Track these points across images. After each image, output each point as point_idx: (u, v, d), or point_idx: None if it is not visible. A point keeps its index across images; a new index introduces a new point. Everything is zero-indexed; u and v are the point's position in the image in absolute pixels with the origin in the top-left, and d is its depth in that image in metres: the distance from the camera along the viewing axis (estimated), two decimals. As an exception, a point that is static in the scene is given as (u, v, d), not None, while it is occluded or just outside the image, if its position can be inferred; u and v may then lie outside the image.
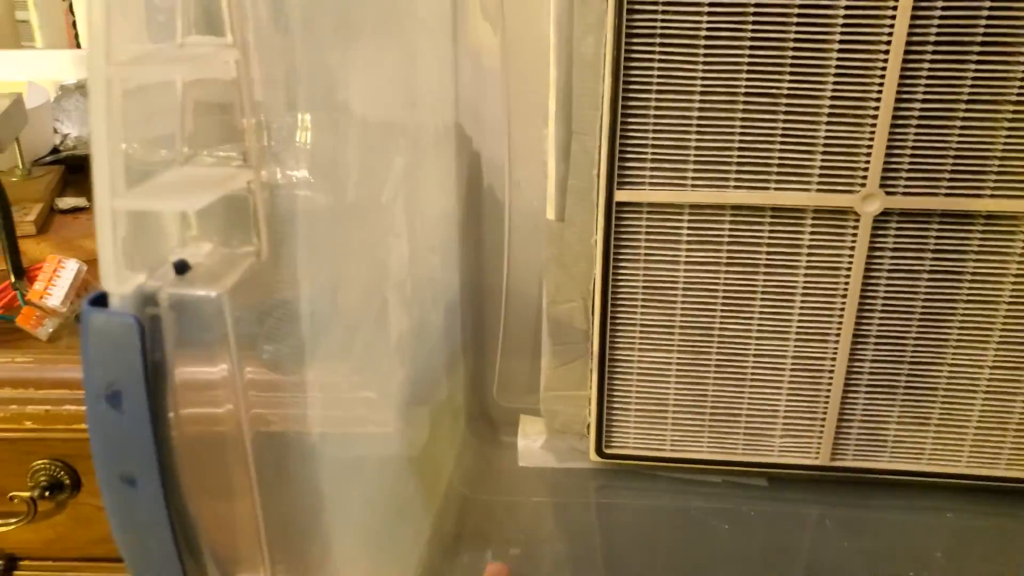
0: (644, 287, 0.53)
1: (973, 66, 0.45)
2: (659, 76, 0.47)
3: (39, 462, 0.53)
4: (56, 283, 0.53)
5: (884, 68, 0.45)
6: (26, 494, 0.53)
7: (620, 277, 0.53)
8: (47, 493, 0.53)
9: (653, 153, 0.49)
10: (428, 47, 0.53)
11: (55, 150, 0.80)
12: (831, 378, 0.53)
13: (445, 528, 0.50)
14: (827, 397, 0.54)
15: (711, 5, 0.45)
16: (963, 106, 0.46)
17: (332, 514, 0.42)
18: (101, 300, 0.25)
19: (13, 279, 0.54)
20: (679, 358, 0.55)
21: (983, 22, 0.44)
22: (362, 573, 0.41)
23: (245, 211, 0.29)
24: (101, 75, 0.24)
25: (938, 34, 0.44)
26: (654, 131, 0.49)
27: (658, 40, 0.47)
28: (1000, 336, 0.51)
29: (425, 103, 0.53)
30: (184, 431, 0.26)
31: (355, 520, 0.40)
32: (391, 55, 0.53)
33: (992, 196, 0.48)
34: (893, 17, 0.44)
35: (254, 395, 0.42)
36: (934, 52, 0.45)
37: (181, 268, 0.27)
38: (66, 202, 0.71)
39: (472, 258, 0.58)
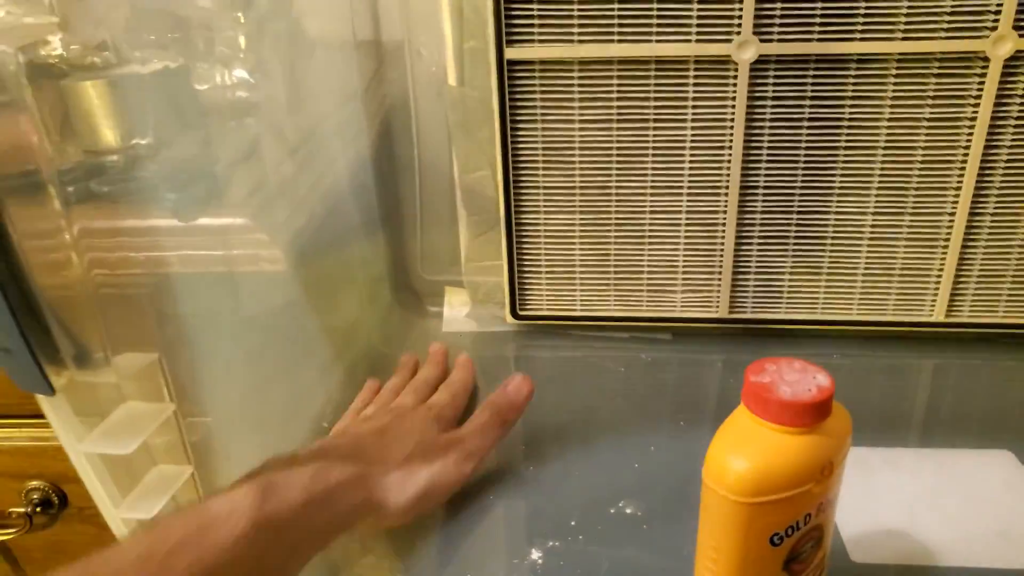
0: (544, 149, 0.56)
1: (834, -94, 0.47)
2: (538, -69, 0.49)
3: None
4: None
5: (750, -88, 0.47)
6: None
7: (519, 140, 0.55)
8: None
9: (539, 8, 0.51)
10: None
11: None
12: (724, 231, 0.56)
13: (358, 374, 0.54)
14: (722, 251, 0.57)
15: None
16: (828, -53, 0.48)
17: (226, 340, 0.45)
18: None
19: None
20: (581, 219, 0.57)
21: None
22: (249, 387, 0.45)
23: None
24: None
25: None
26: (539, -12, 0.51)
27: None
28: (879, 182, 0.54)
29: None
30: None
31: (237, 338, 0.43)
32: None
33: (862, 39, 0.50)
34: None
35: (148, 240, 0.46)
36: None
37: None
38: None
39: (381, 132, 0.60)
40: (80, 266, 0.46)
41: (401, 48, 0.58)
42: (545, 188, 0.57)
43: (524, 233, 0.58)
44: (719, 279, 0.58)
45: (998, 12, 0.48)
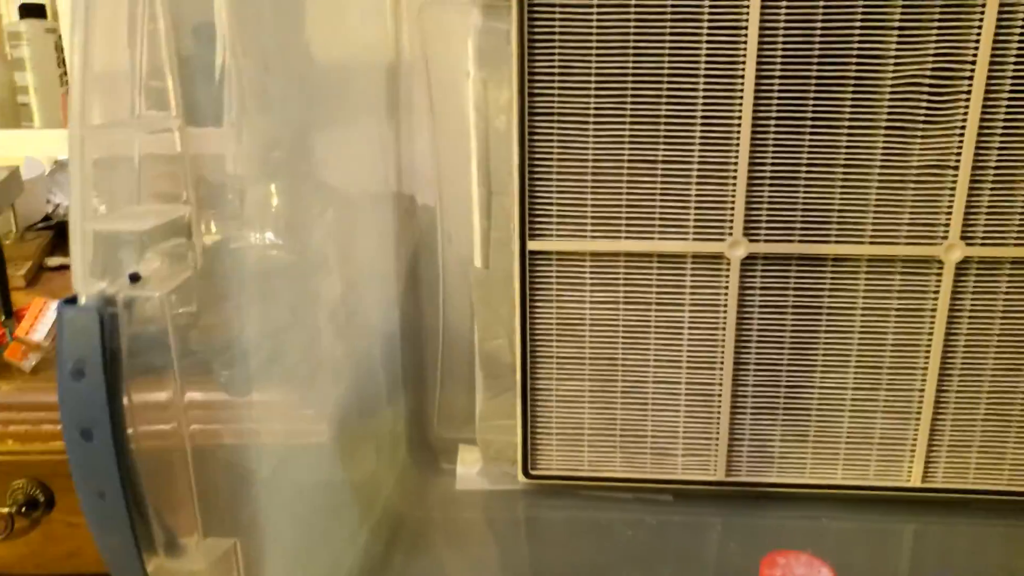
0: (558, 324, 0.62)
1: (808, 136, 0.56)
2: (558, 147, 0.58)
3: (17, 482, 0.60)
4: (41, 322, 0.61)
5: (738, 138, 0.56)
6: (4, 510, 0.59)
7: (537, 316, 0.62)
8: (23, 510, 0.59)
9: (558, 210, 0.59)
10: (370, 132, 0.64)
11: (47, 218, 0.89)
12: (720, 402, 0.62)
13: (380, 536, 0.57)
14: (718, 419, 0.62)
15: (597, 89, 0.56)
16: (804, 168, 0.56)
17: (271, 506, 0.49)
18: (72, 300, 0.34)
19: (3, 318, 0.62)
20: (590, 386, 0.63)
21: (811, 102, 0.55)
22: (296, 564, 0.48)
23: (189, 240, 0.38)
24: (76, 135, 0.34)
25: (778, 111, 0.55)
26: (557, 192, 0.59)
27: (556, 118, 0.57)
28: (856, 361, 0.60)
29: (363, 177, 0.63)
30: (135, 407, 0.35)
31: (293, 515, 0.47)
32: (337, 133, 0.63)
33: (837, 242, 0.58)
34: (741, 98, 0.55)
35: (208, 412, 0.50)
36: (776, 125, 0.56)
37: (135, 278, 0.36)
38: (54, 260, 0.80)
39: (411, 302, 0.67)
40: (183, 438, 0.49)
41: (433, 233, 0.66)
42: (558, 357, 0.63)
43: (537, 397, 0.64)
44: (716, 445, 0.63)
45: (948, 224, 0.57)
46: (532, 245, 0.60)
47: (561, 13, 0.55)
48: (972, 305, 0.59)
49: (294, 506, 0.48)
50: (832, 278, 0.59)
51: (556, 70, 0.56)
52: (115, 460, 0.35)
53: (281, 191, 0.70)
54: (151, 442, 0.43)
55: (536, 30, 0.55)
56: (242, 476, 0.46)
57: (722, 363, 0.61)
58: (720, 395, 0.62)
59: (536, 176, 0.58)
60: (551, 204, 0.59)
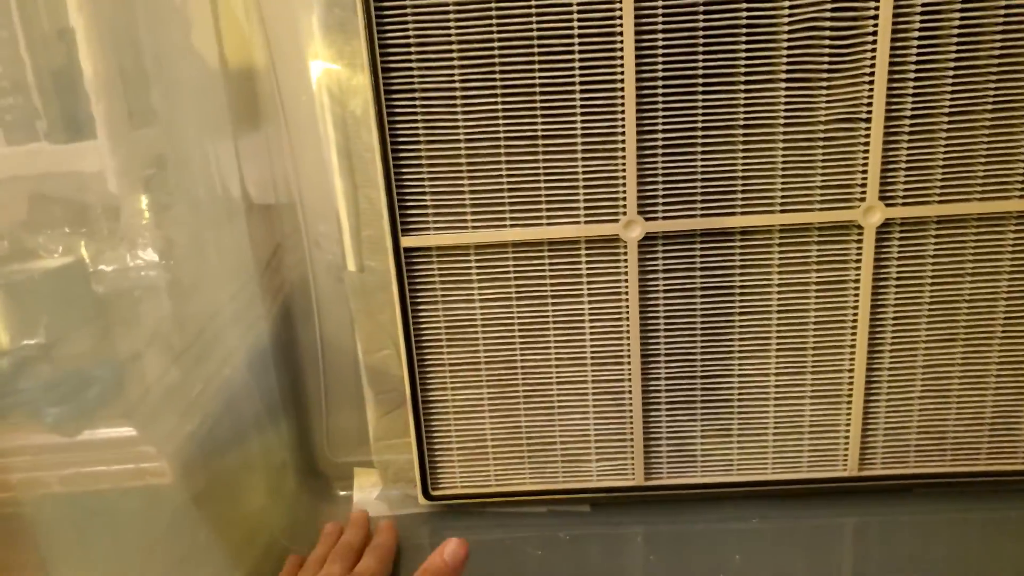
0: (446, 327, 0.55)
1: (700, 96, 0.49)
2: (424, 128, 0.51)
3: None
4: None
5: (623, 105, 0.49)
6: None
7: (421, 320, 0.55)
8: None
9: (432, 199, 0.52)
10: (218, 137, 0.56)
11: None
12: (631, 399, 0.56)
13: (261, 578, 0.50)
14: (631, 418, 0.56)
15: (461, 59, 0.49)
16: (699, 134, 0.50)
17: (101, 560, 0.42)
18: None
19: None
20: (489, 392, 0.56)
21: (700, 57, 0.48)
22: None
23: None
24: None
25: (664, 71, 0.49)
26: (429, 179, 0.52)
27: (418, 95, 0.50)
28: (777, 343, 0.54)
29: (214, 183, 0.56)
30: None
31: (128, 566, 0.40)
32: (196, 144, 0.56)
33: (743, 213, 0.52)
34: (622, 55, 0.49)
35: (28, 459, 0.43)
36: (664, 87, 0.49)
37: None
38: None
39: (281, 317, 0.60)
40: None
41: (298, 236, 0.58)
42: (451, 364, 0.56)
43: (432, 409, 0.57)
44: (631, 447, 0.57)
45: (864, 185, 0.51)
46: (407, 241, 0.53)
47: (409, -27, 0.48)
48: (898, 272, 0.53)
49: (132, 557, 0.41)
50: (742, 253, 0.53)
51: (412, 40, 0.49)
52: None
53: (146, 208, 0.62)
54: None
55: (385, -5, 0.48)
56: (62, 527, 0.39)
57: (629, 356, 0.55)
58: (630, 391, 0.55)
59: (402, 163, 0.51)
60: (423, 194, 0.52)
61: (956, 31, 0.48)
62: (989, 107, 0.49)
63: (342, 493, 0.62)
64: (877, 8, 0.47)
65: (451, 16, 0.49)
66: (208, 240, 0.59)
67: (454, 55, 0.49)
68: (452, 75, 0.50)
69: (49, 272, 0.60)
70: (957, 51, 0.48)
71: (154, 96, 0.59)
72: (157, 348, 0.54)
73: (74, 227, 0.62)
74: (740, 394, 0.56)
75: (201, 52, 0.55)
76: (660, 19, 0.48)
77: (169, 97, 0.60)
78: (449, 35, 0.49)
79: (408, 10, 0.48)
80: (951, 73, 0.48)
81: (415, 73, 0.50)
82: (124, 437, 0.46)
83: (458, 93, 0.50)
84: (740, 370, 0.55)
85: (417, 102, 0.50)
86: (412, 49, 0.49)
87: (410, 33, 0.49)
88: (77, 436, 0.48)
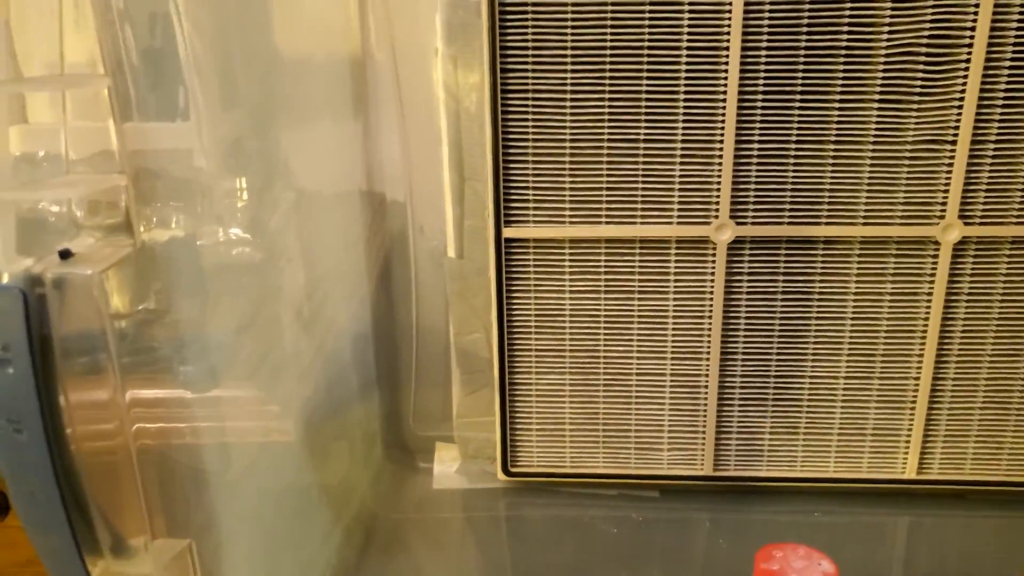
0: (536, 315, 0.59)
1: (797, 111, 0.52)
2: (533, 127, 0.54)
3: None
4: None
5: (723, 115, 0.53)
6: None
7: (514, 307, 0.58)
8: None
9: (534, 194, 0.56)
10: (336, 121, 0.60)
11: None
12: (707, 394, 0.59)
13: (354, 538, 0.54)
14: (705, 412, 0.59)
15: (574, 65, 0.53)
16: (793, 146, 0.53)
17: (234, 507, 0.46)
18: (-8, 280, 0.31)
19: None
20: (571, 379, 0.60)
21: (800, 75, 0.52)
22: (262, 566, 0.45)
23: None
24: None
25: (765, 86, 0.52)
26: (533, 175, 0.55)
27: (531, 96, 0.54)
28: (849, 349, 0.58)
29: (331, 166, 0.60)
30: (73, 404, 0.31)
31: (256, 515, 0.44)
32: (302, 128, 0.60)
33: (828, 223, 0.55)
34: (726, 71, 0.52)
35: (164, 411, 0.47)
36: (764, 101, 0.52)
37: (65, 255, 0.32)
38: None
39: (383, 299, 0.63)
40: (126, 437, 0.46)
41: (403, 219, 0.62)
42: (537, 351, 0.60)
43: (516, 392, 0.61)
44: (703, 438, 0.60)
45: (944, 203, 0.54)
46: (508, 232, 0.56)
47: (533, -17, 0.51)
48: (970, 288, 0.56)
49: (259, 507, 0.45)
50: (823, 261, 0.56)
51: (530, 44, 0.53)
52: (48, 458, 0.31)
53: (247, 187, 0.66)
54: (93, 442, 0.40)
55: (508, 1, 0.52)
56: (201, 476, 0.43)
57: (708, 353, 0.58)
58: (707, 386, 0.59)
59: (511, 159, 0.55)
60: (527, 189, 0.56)
61: (1045, 64, 0.50)
62: (1071, 137, 0.52)
63: (423, 465, 0.66)
64: (972, 37, 0.50)
65: (568, 23, 0.52)
66: (313, 220, 0.62)
67: (568, 60, 0.53)
68: (564, 79, 0.53)
69: (157, 244, 0.64)
70: (1045, 83, 0.51)
71: (263, 81, 0.63)
72: (270, 317, 0.58)
73: (176, 202, 0.66)
74: (810, 395, 0.59)
75: (330, 44, 0.58)
76: (765, 37, 0.51)
77: (285, 82, 0.63)
78: (565, 41, 0.52)
79: (529, 15, 0.52)
80: (1037, 103, 0.51)
81: (530, 75, 0.53)
82: (251, 396, 0.50)
83: (568, 96, 0.53)
84: (812, 372, 0.58)
85: (529, 103, 0.54)
86: (529, 52, 0.53)
87: (528, 37, 0.52)
88: (208, 392, 0.52)
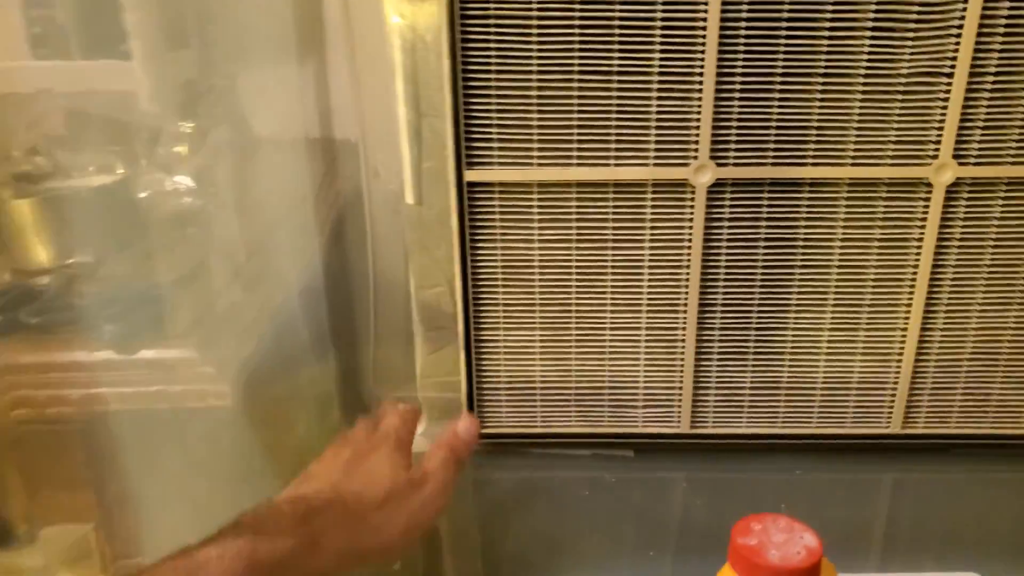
0: (503, 266, 0.55)
1: (784, 41, 0.48)
2: (496, 57, 0.49)
3: None
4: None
5: (703, 45, 0.48)
6: None
7: (479, 258, 0.54)
8: None
9: (499, 133, 0.51)
10: (284, 61, 0.55)
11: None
12: (684, 347, 0.56)
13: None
14: (682, 366, 0.56)
15: (540, -11, 0.48)
16: (779, 80, 0.49)
17: (170, 493, 0.42)
18: None
19: None
20: (541, 335, 0.56)
21: (787, 2, 0.47)
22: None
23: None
24: None
25: (749, 13, 0.47)
26: (497, 111, 0.50)
27: (492, 22, 0.49)
28: (834, 299, 0.54)
29: (277, 110, 0.54)
30: None
31: (184, 489, 0.40)
32: (249, 69, 0.54)
33: (814, 164, 0.51)
34: (707, -3, 0.47)
35: (83, 375, 0.42)
36: (747, 29, 0.48)
37: None
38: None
39: (336, 248, 0.59)
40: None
41: (356, 162, 0.57)
42: (505, 305, 0.56)
43: (483, 349, 0.57)
44: (680, 394, 0.57)
45: (939, 142, 0.50)
46: (470, 176, 0.52)
47: None
48: (962, 232, 0.53)
49: (188, 480, 0.41)
50: (809, 205, 0.52)
51: (491, -35, 0.47)
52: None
53: (193, 131, 0.61)
54: None
55: (466, -85, 0.46)
56: (111, 450, 0.39)
57: (686, 304, 0.54)
58: (684, 340, 0.55)
59: (472, 93, 0.50)
60: (490, 126, 0.51)
61: (1051, -13, 0.47)
62: (1074, 68, 0.48)
63: (384, 428, 0.62)
64: (973, -42, 0.46)
65: (534, -58, 0.47)
66: (258, 166, 0.57)
67: (534, -17, 0.48)
68: (530, 2, 0.48)
69: (91, 190, 0.59)
70: (1049, 8, 0.47)
71: (198, 17, 0.57)
72: (209, 271, 0.53)
73: (112, 147, 0.60)
74: (793, 347, 0.56)
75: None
76: (750, -43, 0.46)
77: (217, 18, 0.58)
78: (530, -38, 0.47)
79: (490, -68, 0.47)
80: (1040, 31, 0.48)
81: None
82: (184, 358, 0.46)
83: (534, 22, 0.48)
84: (795, 323, 0.55)
85: (491, 30, 0.49)
86: (491, -26, 0.48)
87: (490, -43, 0.47)
88: (135, 354, 0.47)
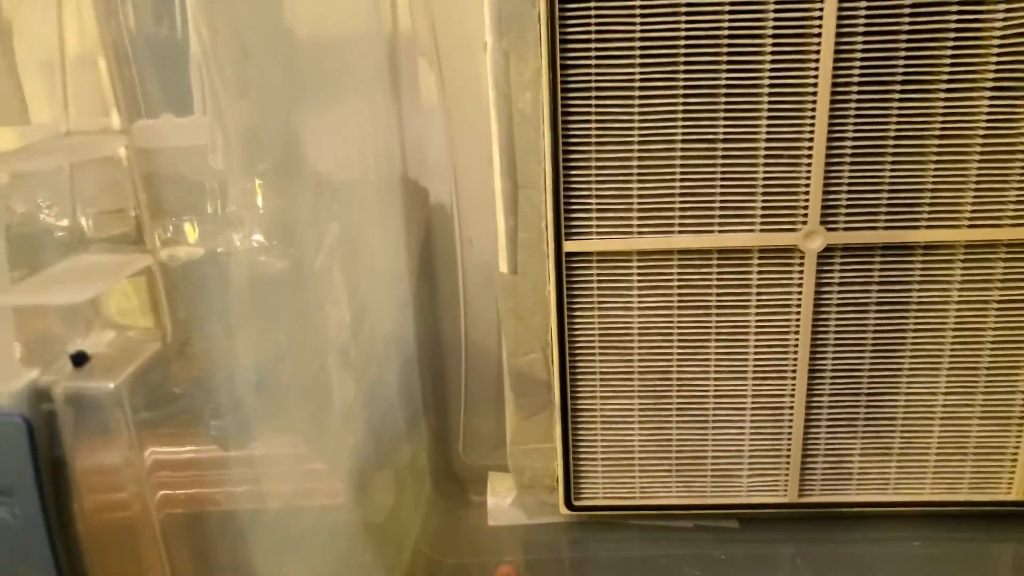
0: (600, 335, 0.53)
1: (897, 103, 0.46)
2: (597, 128, 0.48)
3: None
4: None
5: (814, 109, 0.47)
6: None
7: (576, 326, 0.53)
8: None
9: (598, 203, 0.50)
10: (370, 114, 0.54)
11: None
12: (792, 414, 0.54)
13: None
14: (789, 434, 0.54)
15: (643, 56, 0.47)
16: (891, 142, 0.47)
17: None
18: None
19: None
20: (640, 403, 0.54)
21: (902, 61, 0.46)
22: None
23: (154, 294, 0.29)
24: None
25: (861, 75, 0.46)
26: (596, 182, 0.49)
27: (593, 94, 0.48)
28: (949, 363, 0.52)
29: (366, 169, 0.53)
30: (90, 522, 0.25)
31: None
32: (329, 118, 0.54)
33: (928, 227, 0.49)
34: (817, 60, 0.46)
35: (195, 474, 0.41)
36: (859, 92, 0.46)
37: (79, 359, 0.26)
38: None
39: (428, 315, 0.58)
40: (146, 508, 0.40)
41: (452, 236, 0.56)
42: (602, 373, 0.54)
43: (579, 418, 0.55)
44: (787, 462, 0.55)
45: (1062, 200, 0.48)
46: (569, 246, 0.51)
47: (597, -35, 0.45)
48: (1086, 292, 0.50)
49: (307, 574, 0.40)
50: (922, 269, 0.50)
51: (593, 35, 0.46)
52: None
53: (268, 186, 0.60)
54: (107, 515, 0.34)
55: (566, -13, 0.46)
56: (239, 545, 0.38)
57: (794, 371, 0.52)
58: (792, 407, 0.53)
59: (572, 164, 0.49)
60: (589, 197, 0.50)
61: None
62: None
63: (476, 498, 0.60)
64: (1098, 13, 0.44)
65: (637, 9, 0.46)
66: (358, 238, 0.56)
67: (636, 51, 0.47)
68: (632, 73, 0.47)
69: (175, 260, 0.58)
70: None
71: (280, 65, 0.56)
72: (308, 347, 0.52)
73: (190, 208, 0.59)
74: (905, 412, 0.53)
75: (370, 31, 0.52)
76: (862, 20, 0.45)
77: (293, 69, 0.57)
78: (633, 30, 0.46)
79: (591, 3, 0.46)
80: None
81: (593, 69, 0.47)
82: (293, 454, 0.45)
83: (636, 92, 0.47)
84: (908, 388, 0.53)
85: (592, 101, 0.48)
86: (592, 45, 0.47)
87: (592, 27, 0.46)
88: (243, 450, 0.46)
